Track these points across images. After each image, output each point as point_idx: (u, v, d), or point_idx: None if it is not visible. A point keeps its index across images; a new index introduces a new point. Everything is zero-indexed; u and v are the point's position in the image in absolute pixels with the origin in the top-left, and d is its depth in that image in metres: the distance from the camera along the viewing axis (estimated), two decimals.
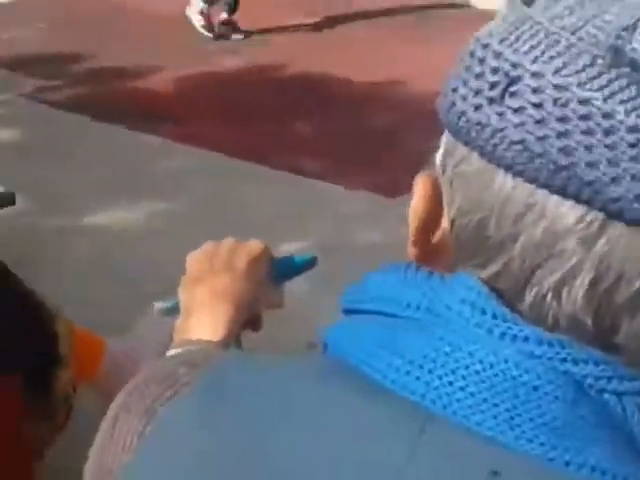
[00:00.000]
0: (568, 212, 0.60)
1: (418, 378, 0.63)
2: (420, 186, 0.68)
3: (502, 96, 0.62)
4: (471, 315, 0.63)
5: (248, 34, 7.61)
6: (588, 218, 0.60)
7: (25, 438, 1.64)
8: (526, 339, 0.62)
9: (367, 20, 8.04)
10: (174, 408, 0.69)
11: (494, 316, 0.63)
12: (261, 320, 1.18)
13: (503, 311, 0.63)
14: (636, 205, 0.59)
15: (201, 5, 7.54)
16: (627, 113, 0.59)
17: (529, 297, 0.63)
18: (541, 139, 0.60)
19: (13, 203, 1.98)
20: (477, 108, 0.63)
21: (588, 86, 0.59)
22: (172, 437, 0.68)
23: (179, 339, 1.07)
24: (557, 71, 0.60)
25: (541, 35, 0.61)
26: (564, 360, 0.61)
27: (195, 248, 1.18)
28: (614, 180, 0.59)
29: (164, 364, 0.78)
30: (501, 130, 0.62)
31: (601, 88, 0.59)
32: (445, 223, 0.68)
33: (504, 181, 0.62)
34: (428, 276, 0.67)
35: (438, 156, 0.68)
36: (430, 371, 0.63)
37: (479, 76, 0.63)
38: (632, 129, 0.58)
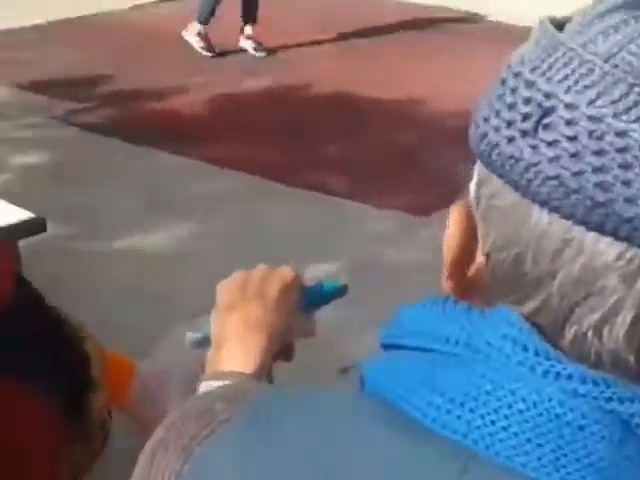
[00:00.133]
0: (607, 249, 0.59)
1: (459, 417, 0.62)
2: (455, 217, 0.67)
3: (535, 129, 0.60)
4: (513, 352, 0.62)
5: (272, 52, 7.62)
6: (628, 255, 0.58)
7: (62, 463, 1.64)
8: (569, 377, 0.61)
9: (387, 35, 8.03)
10: (213, 447, 0.69)
11: (536, 353, 0.62)
12: (293, 350, 1.17)
13: (546, 348, 0.62)
14: None
15: (198, 27, 7.56)
16: None
17: (569, 334, 0.61)
18: (577, 174, 0.58)
19: (44, 230, 1.98)
20: (510, 141, 0.61)
21: (624, 117, 0.57)
22: (212, 475, 0.68)
23: (212, 371, 1.05)
24: (591, 102, 0.58)
25: (575, 63, 0.59)
26: (610, 399, 0.60)
27: (227, 270, 1.17)
28: None
29: (200, 400, 0.78)
30: (535, 165, 0.60)
31: (638, 119, 0.57)
32: (480, 257, 0.66)
33: (540, 216, 0.60)
34: (467, 310, 0.66)
35: (472, 186, 0.66)
36: (471, 410, 0.62)
37: (511, 107, 0.61)
38: None
